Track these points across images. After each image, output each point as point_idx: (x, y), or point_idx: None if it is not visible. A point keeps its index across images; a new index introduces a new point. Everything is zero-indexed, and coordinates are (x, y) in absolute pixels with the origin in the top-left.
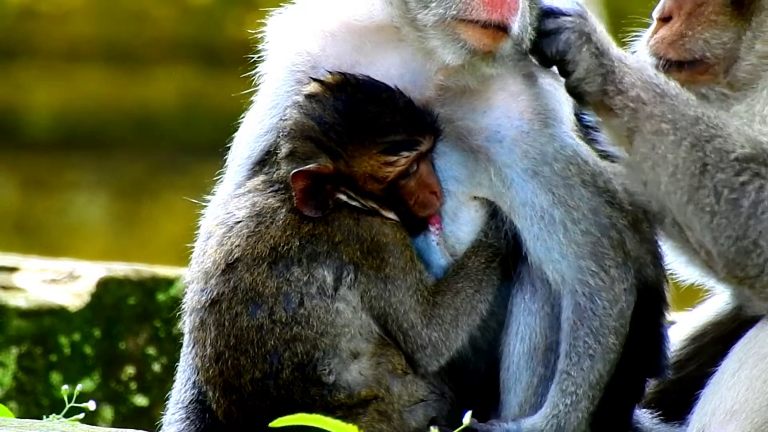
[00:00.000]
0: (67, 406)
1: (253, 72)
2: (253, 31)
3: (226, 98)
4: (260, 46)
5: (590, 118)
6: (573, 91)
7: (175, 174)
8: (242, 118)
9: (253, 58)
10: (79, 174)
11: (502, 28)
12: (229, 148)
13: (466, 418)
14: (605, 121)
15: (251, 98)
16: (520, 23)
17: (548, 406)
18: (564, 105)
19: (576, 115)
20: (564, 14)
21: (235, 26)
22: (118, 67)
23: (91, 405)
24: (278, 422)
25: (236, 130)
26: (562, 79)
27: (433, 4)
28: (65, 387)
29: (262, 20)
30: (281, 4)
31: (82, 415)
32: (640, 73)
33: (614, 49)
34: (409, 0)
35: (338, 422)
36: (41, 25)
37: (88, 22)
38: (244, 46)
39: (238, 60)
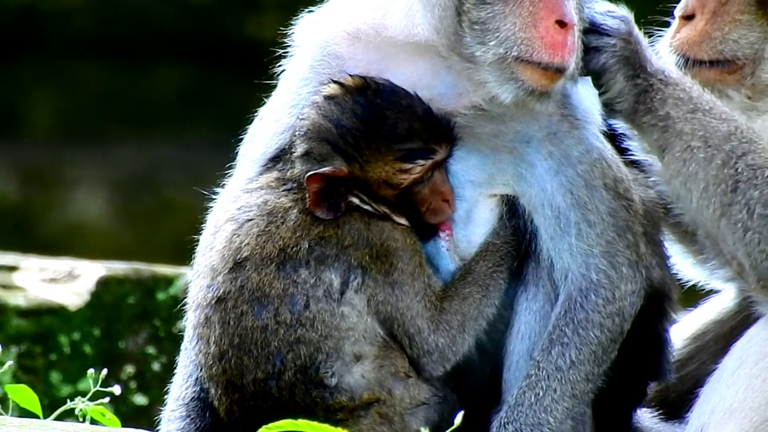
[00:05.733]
0: (92, 389)
1: (254, 70)
2: (269, 31)
3: (226, 95)
4: (287, 42)
5: (620, 126)
6: (605, 105)
7: (175, 171)
8: (242, 115)
9: (255, 57)
10: (79, 171)
11: (561, 70)
12: (230, 145)
13: (458, 419)
14: (638, 135)
15: (253, 95)
16: (575, 60)
17: (514, 396)
18: (593, 107)
19: (607, 123)
20: (607, 34)
21: (235, 24)
22: (119, 65)
23: (116, 389)
24: (266, 429)
25: (236, 128)
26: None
27: (492, 43)
28: (91, 371)
29: (262, 19)
30: (280, 3)
31: (107, 399)
32: (674, 88)
33: (653, 64)
34: (465, 35)
35: (327, 426)
36: (42, 23)
37: (89, 19)
38: (244, 44)
39: (237, 58)
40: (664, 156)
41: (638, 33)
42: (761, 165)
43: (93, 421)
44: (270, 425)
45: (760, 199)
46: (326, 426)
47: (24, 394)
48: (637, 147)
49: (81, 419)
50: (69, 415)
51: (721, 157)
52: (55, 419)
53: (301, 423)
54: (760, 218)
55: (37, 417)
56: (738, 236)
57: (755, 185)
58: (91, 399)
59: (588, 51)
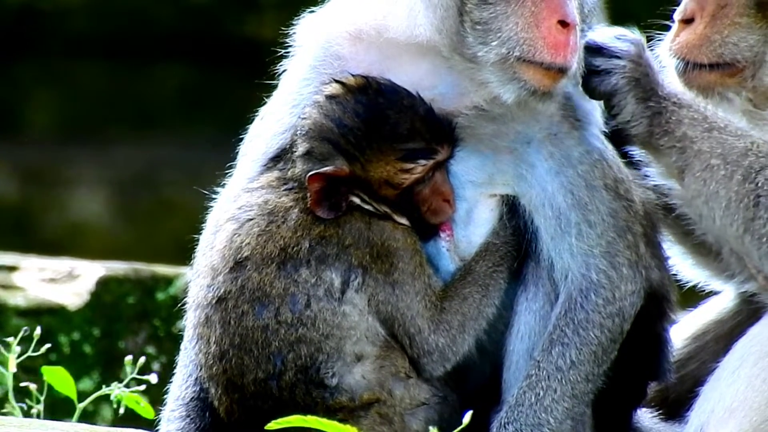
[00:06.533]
0: (129, 376)
1: (254, 70)
2: (269, 31)
3: (226, 95)
4: (288, 42)
5: (638, 154)
6: (619, 132)
7: (175, 171)
8: (242, 114)
9: (255, 56)
10: (79, 171)
11: (563, 70)
12: (230, 145)
13: (466, 419)
14: (655, 159)
15: (254, 95)
16: (577, 61)
17: (514, 396)
18: (594, 107)
19: (623, 151)
20: (616, 56)
21: (235, 24)
22: (118, 65)
23: (153, 378)
24: (275, 424)
25: (236, 128)
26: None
27: (495, 43)
28: (128, 357)
29: (262, 19)
30: (280, 3)
31: (143, 387)
32: (688, 109)
33: (664, 88)
34: (467, 35)
35: (335, 424)
36: (42, 23)
37: (89, 19)
38: (244, 43)
39: (237, 57)
40: (684, 177)
41: (649, 56)
42: None
43: (127, 409)
44: (278, 420)
45: None
46: (333, 422)
47: (60, 377)
48: (654, 174)
49: (115, 406)
50: (103, 400)
51: (741, 173)
52: (85, 408)
53: (310, 419)
54: None
55: (71, 400)
56: (763, 251)
57: None
58: (127, 386)
59: (598, 73)
